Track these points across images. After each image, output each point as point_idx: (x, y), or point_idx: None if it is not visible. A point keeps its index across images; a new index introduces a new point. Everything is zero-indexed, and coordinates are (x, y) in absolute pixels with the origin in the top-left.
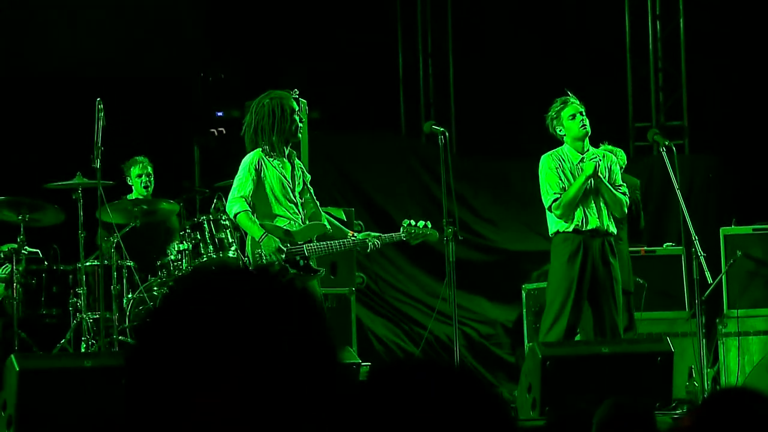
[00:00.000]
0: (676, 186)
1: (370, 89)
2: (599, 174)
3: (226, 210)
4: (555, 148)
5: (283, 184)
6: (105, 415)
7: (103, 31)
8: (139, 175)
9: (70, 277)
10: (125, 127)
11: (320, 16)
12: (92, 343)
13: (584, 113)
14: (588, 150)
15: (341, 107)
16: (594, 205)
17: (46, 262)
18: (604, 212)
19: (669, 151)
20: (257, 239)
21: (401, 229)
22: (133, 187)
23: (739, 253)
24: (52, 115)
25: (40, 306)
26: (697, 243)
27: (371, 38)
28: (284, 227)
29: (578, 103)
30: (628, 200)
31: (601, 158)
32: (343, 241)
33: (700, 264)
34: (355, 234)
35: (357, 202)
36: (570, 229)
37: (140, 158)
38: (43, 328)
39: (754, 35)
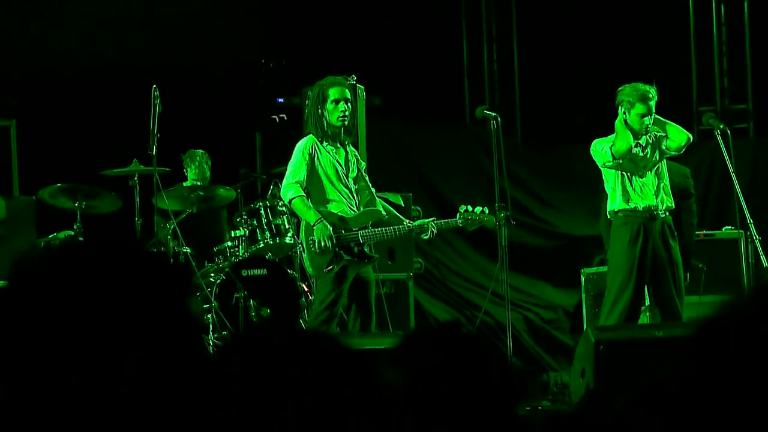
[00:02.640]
0: (731, 169)
1: (434, 75)
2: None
3: (281, 195)
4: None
5: (336, 169)
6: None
7: (163, 19)
8: (198, 169)
9: None
10: (186, 115)
11: (384, 2)
12: None
13: (653, 114)
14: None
15: (404, 94)
16: (652, 181)
17: None
18: (662, 186)
19: (724, 134)
20: (312, 224)
21: (458, 215)
22: (188, 177)
23: None
24: (110, 102)
25: None
26: (752, 226)
27: (435, 24)
28: (339, 213)
29: (654, 102)
30: (689, 134)
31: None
32: (399, 227)
33: (755, 247)
34: (411, 221)
35: (418, 188)
36: (630, 207)
37: (198, 151)
38: None
39: None
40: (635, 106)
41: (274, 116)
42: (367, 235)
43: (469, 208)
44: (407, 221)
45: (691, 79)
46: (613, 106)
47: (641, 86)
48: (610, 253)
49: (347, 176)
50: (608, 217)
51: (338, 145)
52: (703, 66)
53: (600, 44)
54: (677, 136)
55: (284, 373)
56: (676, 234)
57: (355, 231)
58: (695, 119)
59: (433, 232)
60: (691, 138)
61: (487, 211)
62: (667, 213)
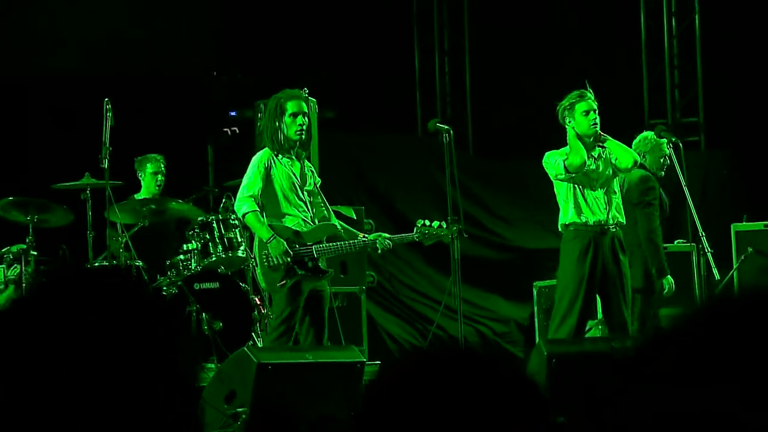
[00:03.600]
0: (683, 182)
1: (386, 89)
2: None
3: (235, 209)
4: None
5: (292, 182)
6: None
7: (115, 30)
8: (155, 173)
9: None
10: (137, 127)
11: (336, 16)
12: None
13: (597, 111)
14: (594, 149)
15: (357, 107)
16: (604, 195)
17: (54, 264)
18: (614, 203)
19: (676, 147)
20: (265, 241)
21: (415, 230)
22: (142, 185)
23: (750, 249)
24: (61, 115)
25: None
26: (704, 239)
27: (387, 38)
28: (293, 227)
29: (593, 99)
30: (637, 155)
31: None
32: (354, 242)
33: (707, 260)
34: (366, 235)
35: (370, 201)
36: (580, 221)
37: (156, 156)
38: None
39: None
40: (575, 107)
41: (226, 129)
42: (321, 250)
43: (426, 223)
44: (362, 235)
45: (642, 92)
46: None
47: (574, 91)
48: (560, 267)
49: (303, 190)
50: (559, 230)
51: (294, 158)
52: (654, 79)
53: (551, 58)
54: (623, 157)
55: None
56: (626, 249)
57: (310, 246)
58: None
59: (387, 246)
60: (638, 160)
61: (444, 226)
62: (618, 228)
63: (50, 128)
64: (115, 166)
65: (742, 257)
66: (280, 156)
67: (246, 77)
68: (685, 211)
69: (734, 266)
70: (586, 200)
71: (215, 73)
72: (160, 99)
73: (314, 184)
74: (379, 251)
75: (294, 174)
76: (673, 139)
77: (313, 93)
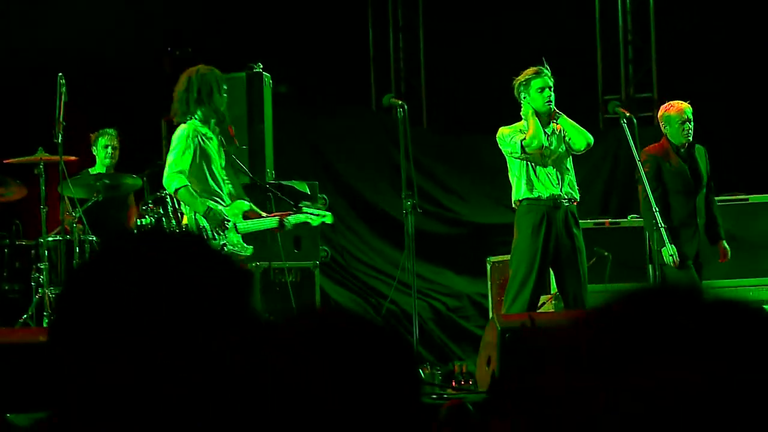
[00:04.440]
0: (636, 157)
1: (341, 64)
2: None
3: (164, 185)
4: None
5: (213, 158)
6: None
7: (67, 5)
8: (106, 146)
9: (33, 252)
10: (92, 103)
11: None
12: (53, 318)
13: (552, 89)
14: (549, 125)
15: (311, 82)
16: (556, 171)
17: (7, 238)
18: (566, 179)
19: (630, 123)
20: (201, 214)
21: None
22: (96, 159)
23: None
24: (15, 89)
25: (2, 281)
26: (657, 214)
27: (341, 12)
28: (210, 204)
29: (549, 76)
30: (591, 137)
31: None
32: (270, 220)
33: (660, 235)
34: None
35: (325, 177)
36: (534, 196)
37: (110, 130)
38: (5, 303)
39: (722, 6)
40: (530, 83)
41: None
42: (245, 227)
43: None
44: (264, 214)
45: (596, 67)
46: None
47: (531, 67)
48: (514, 242)
49: (220, 166)
50: (512, 205)
51: (212, 133)
52: (608, 54)
53: (504, 33)
54: (577, 139)
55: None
56: (579, 222)
57: (232, 222)
58: (600, 107)
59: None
60: (591, 143)
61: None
62: (571, 203)
63: (3, 103)
64: (68, 142)
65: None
66: (203, 130)
67: (200, 51)
68: (640, 186)
69: None
70: (537, 176)
71: (169, 48)
72: (115, 74)
73: (226, 159)
74: (283, 229)
75: (213, 149)
76: (627, 115)
77: (267, 68)
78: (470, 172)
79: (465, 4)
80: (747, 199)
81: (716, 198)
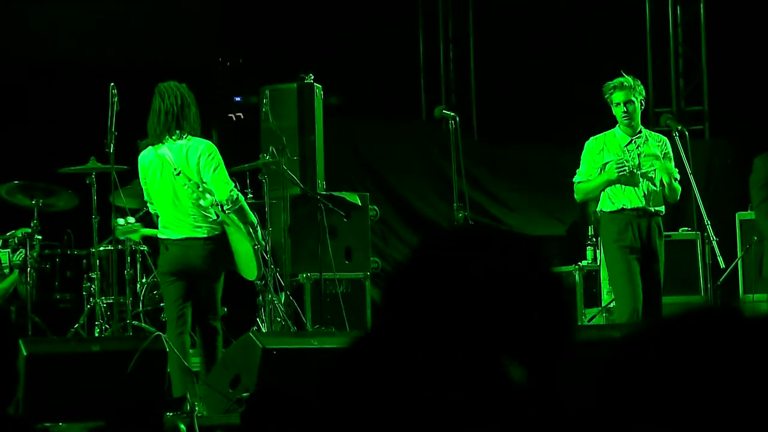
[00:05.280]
0: (688, 170)
1: (391, 75)
2: (630, 172)
3: (230, 194)
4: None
5: None
6: (114, 400)
7: (116, 18)
8: None
9: (84, 261)
10: (143, 113)
11: (340, 1)
12: (106, 327)
13: (635, 98)
14: (640, 132)
15: (361, 93)
16: (642, 186)
17: (59, 248)
18: (653, 194)
19: (681, 135)
20: (256, 224)
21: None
22: None
23: (755, 238)
24: (67, 100)
25: (53, 291)
26: (709, 228)
27: (393, 23)
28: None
29: (629, 89)
30: (677, 197)
31: (629, 165)
32: None
33: (712, 249)
34: None
35: (375, 188)
36: (615, 209)
37: None
38: (57, 313)
39: None
40: (611, 97)
41: (230, 115)
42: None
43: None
44: None
45: (647, 80)
46: (568, 106)
47: (617, 79)
48: (602, 248)
49: None
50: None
51: None
52: (659, 67)
53: (556, 45)
54: (670, 194)
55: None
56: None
57: None
58: (651, 120)
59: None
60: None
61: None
62: (656, 212)
63: (56, 113)
64: (120, 151)
65: (747, 246)
66: None
67: (250, 63)
68: (691, 199)
69: (739, 255)
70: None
71: (220, 59)
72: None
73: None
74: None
75: None
76: (679, 128)
77: (318, 79)
78: (520, 183)
79: (515, 16)
80: None
81: None
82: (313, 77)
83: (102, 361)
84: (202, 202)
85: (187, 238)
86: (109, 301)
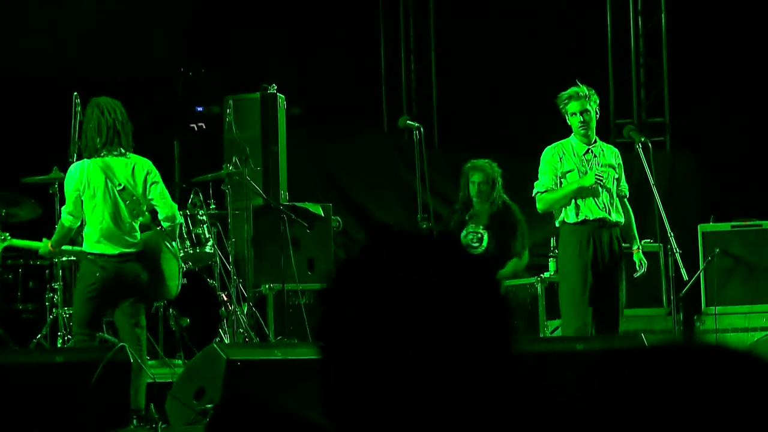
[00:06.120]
0: (651, 182)
1: (352, 85)
2: (599, 186)
3: (174, 212)
4: (554, 139)
5: None
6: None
7: (81, 27)
8: None
9: (47, 272)
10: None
11: (302, 12)
12: (68, 338)
13: (591, 107)
14: (596, 142)
15: (322, 103)
16: (602, 196)
17: (21, 258)
18: (613, 205)
19: (645, 147)
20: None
21: None
22: None
23: (717, 250)
24: (30, 110)
25: (16, 301)
26: (672, 240)
27: (353, 35)
28: None
29: (584, 98)
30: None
31: (604, 179)
32: None
33: (675, 261)
34: None
35: (336, 198)
36: (577, 221)
37: None
38: (19, 323)
39: (735, 31)
40: (567, 107)
41: (192, 125)
42: None
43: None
44: None
45: (608, 91)
46: (529, 115)
47: (570, 89)
48: (559, 260)
49: None
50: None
51: None
52: (620, 78)
53: (516, 55)
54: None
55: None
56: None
57: None
58: (613, 131)
59: None
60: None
61: None
62: (616, 223)
63: (18, 123)
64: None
65: (709, 258)
66: None
67: (212, 73)
68: (653, 211)
69: (701, 267)
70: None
71: (182, 69)
72: (128, 95)
73: None
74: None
75: None
76: (642, 139)
77: (280, 89)
78: None
79: (476, 26)
80: (761, 225)
81: (731, 223)
82: (276, 87)
83: (66, 372)
84: (141, 218)
85: (120, 254)
86: (71, 312)
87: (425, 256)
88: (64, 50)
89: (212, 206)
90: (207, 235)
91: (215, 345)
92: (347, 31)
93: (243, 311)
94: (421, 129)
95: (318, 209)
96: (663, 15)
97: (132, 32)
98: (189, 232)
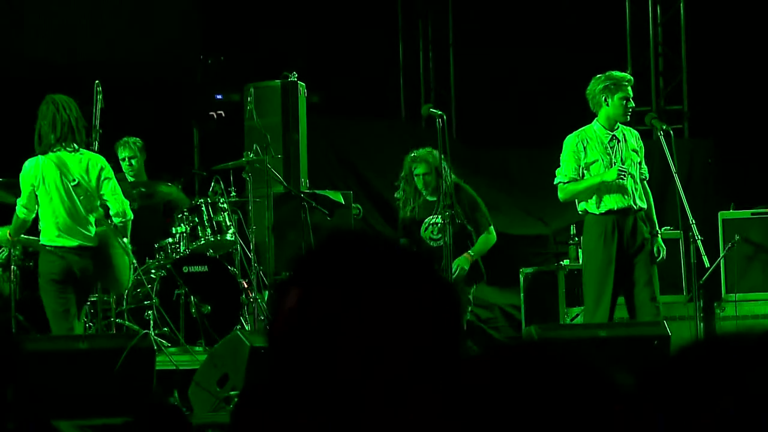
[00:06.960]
0: (673, 170)
1: (371, 75)
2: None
3: (125, 208)
4: (574, 128)
5: None
6: (101, 396)
7: (101, 16)
8: (124, 159)
9: None
10: (125, 111)
11: (322, 1)
12: (89, 325)
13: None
14: (618, 128)
15: (342, 92)
16: (627, 183)
17: None
18: (637, 192)
19: (666, 135)
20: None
21: None
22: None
23: (737, 237)
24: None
25: (37, 288)
26: (694, 227)
27: (373, 24)
28: None
29: (631, 89)
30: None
31: (627, 174)
32: None
33: (697, 248)
34: None
35: (355, 186)
36: (602, 211)
37: (131, 139)
38: (41, 311)
39: (754, 19)
40: (617, 92)
41: (212, 113)
42: None
43: None
44: None
45: None
46: (548, 105)
47: (616, 73)
48: (583, 249)
49: None
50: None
51: None
52: (638, 66)
53: (534, 46)
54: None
55: None
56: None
57: None
58: (633, 120)
59: None
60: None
61: None
62: (639, 208)
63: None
64: (104, 149)
65: (729, 245)
66: None
67: (232, 61)
68: (672, 198)
69: (721, 254)
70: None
71: (201, 56)
72: (147, 84)
73: None
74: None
75: None
76: (664, 127)
77: (300, 77)
78: (500, 183)
79: (495, 17)
80: None
81: (751, 210)
82: (296, 75)
83: (90, 359)
84: (95, 213)
85: (79, 246)
86: (93, 299)
87: (371, 258)
88: (84, 40)
89: (233, 194)
90: (228, 223)
91: (238, 332)
92: (367, 20)
93: (263, 298)
94: (444, 117)
95: (338, 197)
96: (681, 4)
97: (151, 20)
98: (210, 220)
